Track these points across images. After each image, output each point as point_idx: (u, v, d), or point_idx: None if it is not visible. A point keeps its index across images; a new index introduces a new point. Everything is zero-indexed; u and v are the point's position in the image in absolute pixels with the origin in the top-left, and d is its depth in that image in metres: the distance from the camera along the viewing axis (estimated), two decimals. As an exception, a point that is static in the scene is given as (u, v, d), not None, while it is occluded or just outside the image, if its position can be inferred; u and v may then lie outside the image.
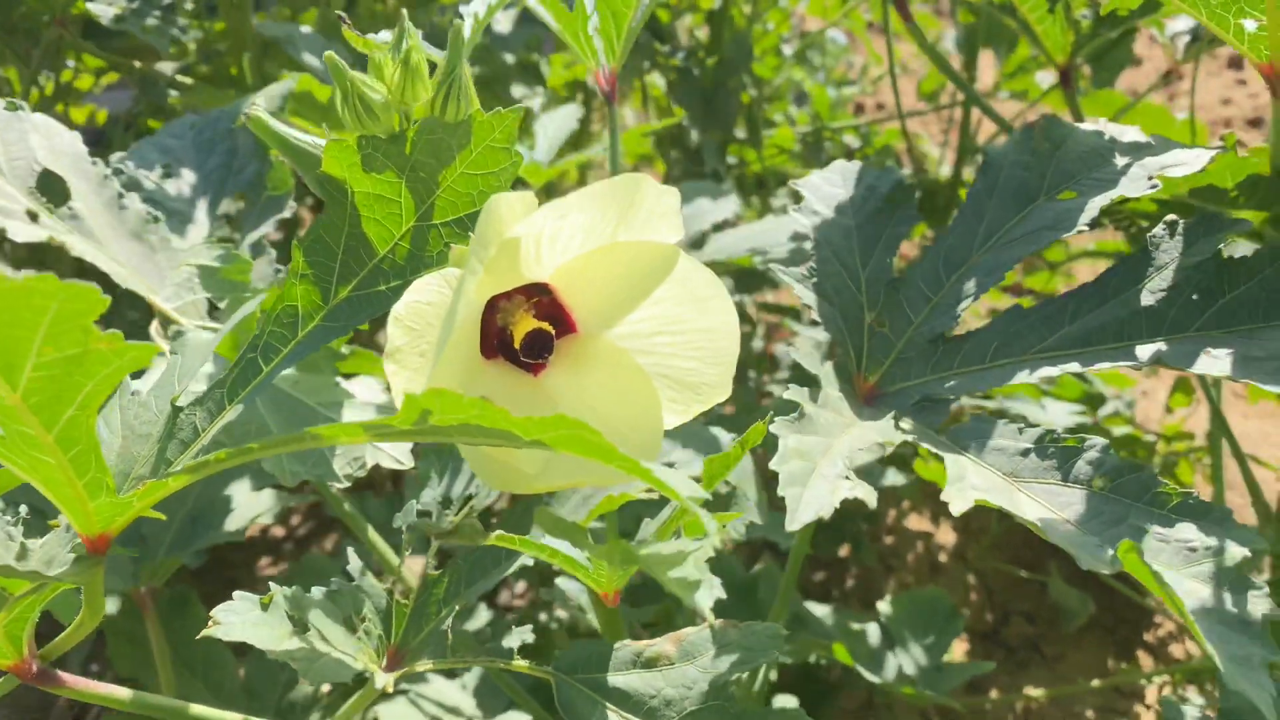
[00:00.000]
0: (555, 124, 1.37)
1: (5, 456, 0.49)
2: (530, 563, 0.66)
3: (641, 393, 0.52)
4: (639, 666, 0.64)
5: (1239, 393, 2.27)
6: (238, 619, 0.57)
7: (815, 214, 0.71)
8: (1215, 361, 0.58)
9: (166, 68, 1.81)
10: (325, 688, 1.18)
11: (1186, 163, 0.66)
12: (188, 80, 1.73)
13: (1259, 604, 0.49)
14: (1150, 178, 0.64)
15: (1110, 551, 0.50)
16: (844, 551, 1.95)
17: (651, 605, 1.24)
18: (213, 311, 0.91)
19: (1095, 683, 1.48)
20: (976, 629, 1.82)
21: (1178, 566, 0.51)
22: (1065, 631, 1.79)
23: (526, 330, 0.52)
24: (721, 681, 0.62)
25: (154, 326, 0.82)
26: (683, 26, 2.32)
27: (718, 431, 0.81)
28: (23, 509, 0.67)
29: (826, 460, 0.55)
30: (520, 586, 1.72)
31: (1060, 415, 1.33)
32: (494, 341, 0.54)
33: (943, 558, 2.05)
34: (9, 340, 0.40)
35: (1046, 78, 1.99)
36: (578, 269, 0.51)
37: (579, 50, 0.86)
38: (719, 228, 1.28)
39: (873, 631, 1.22)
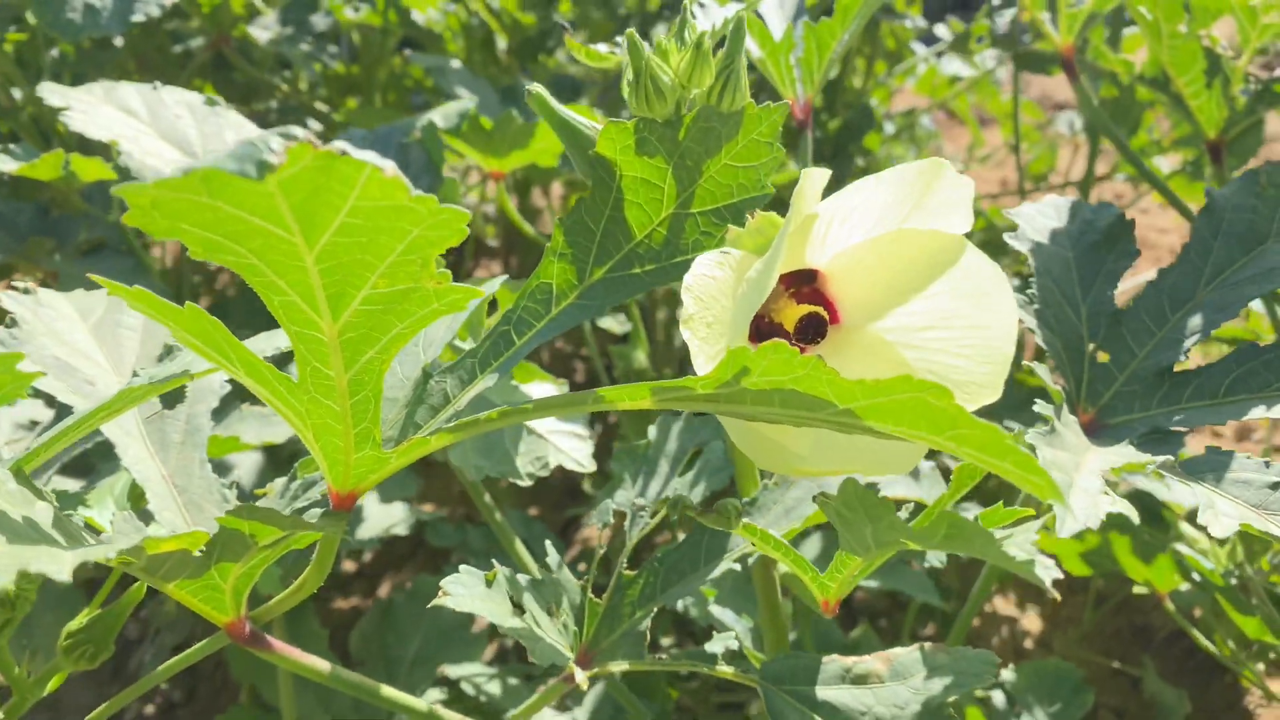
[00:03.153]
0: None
1: (282, 398, 0.49)
2: (738, 567, 0.65)
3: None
4: (848, 682, 0.62)
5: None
6: (467, 592, 0.57)
7: (1031, 241, 0.71)
8: None
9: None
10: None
11: None
12: (324, 107, 1.79)
13: None
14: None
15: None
16: (929, 630, 1.91)
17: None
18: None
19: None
20: None
21: None
22: (1159, 729, 1.72)
23: (801, 314, 0.52)
24: (936, 704, 0.60)
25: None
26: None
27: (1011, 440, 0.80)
28: (235, 474, 0.67)
29: (1081, 474, 0.54)
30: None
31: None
32: (751, 329, 0.54)
33: (1028, 644, 1.99)
34: (355, 265, 0.41)
35: (1165, 164, 1.99)
36: (857, 256, 0.52)
37: (777, 78, 0.87)
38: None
39: (998, 698, 1.18)
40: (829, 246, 0.51)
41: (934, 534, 0.43)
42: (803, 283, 0.55)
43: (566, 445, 0.80)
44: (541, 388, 0.86)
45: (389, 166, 0.33)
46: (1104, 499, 0.53)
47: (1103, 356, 0.68)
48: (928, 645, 0.63)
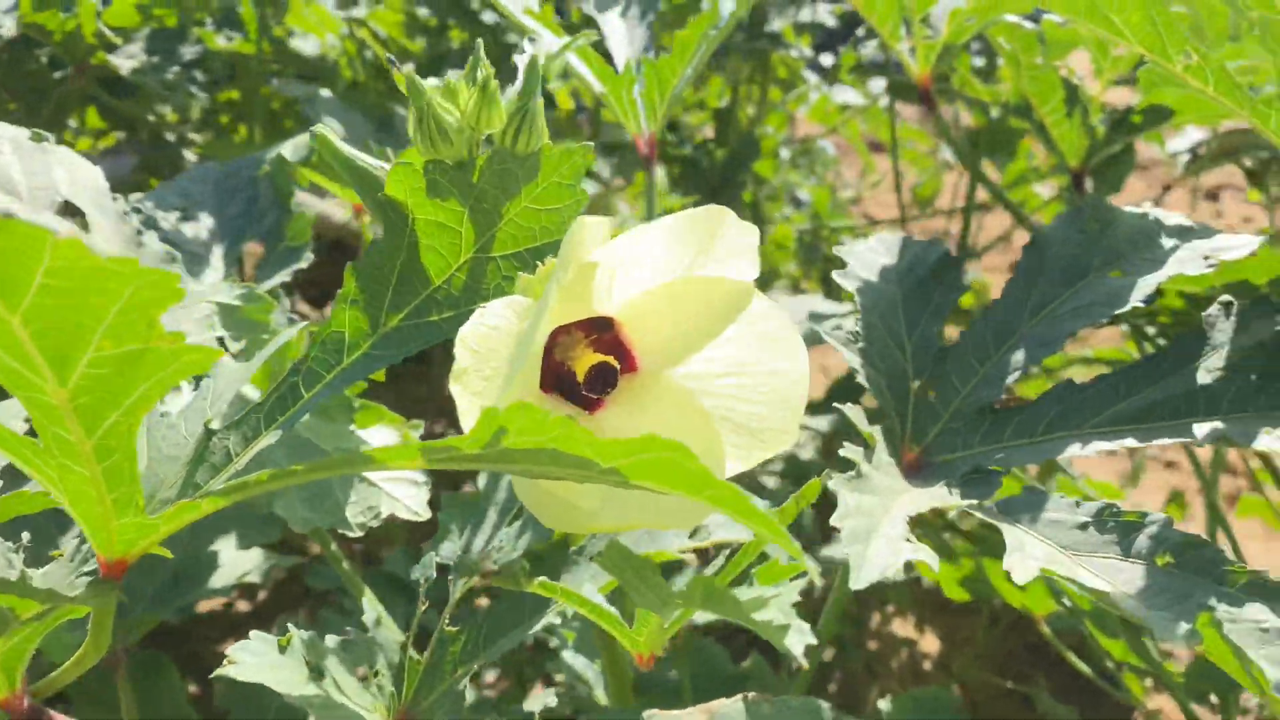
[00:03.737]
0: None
1: (31, 463, 0.46)
2: (558, 619, 0.63)
3: (703, 436, 0.50)
4: (673, 737, 0.60)
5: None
6: (254, 659, 0.54)
7: (860, 279, 0.70)
8: (1277, 441, 0.57)
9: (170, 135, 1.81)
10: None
11: (1236, 247, 0.66)
12: (197, 138, 1.73)
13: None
14: (1206, 258, 0.64)
15: (1186, 626, 0.48)
16: (828, 655, 1.90)
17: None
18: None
19: (1091, 799, 1.43)
20: (962, 740, 1.77)
21: (1252, 646, 0.49)
22: (1052, 746, 1.74)
23: (590, 364, 0.50)
24: (757, 757, 0.58)
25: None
26: (689, 121, 2.36)
27: (757, 501, 0.79)
28: (25, 536, 0.63)
29: (887, 520, 0.53)
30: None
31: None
32: (550, 378, 0.52)
33: (927, 666, 2.01)
34: (70, 327, 0.38)
35: (1045, 190, 2.03)
36: (648, 303, 0.50)
37: (620, 113, 0.86)
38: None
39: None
40: (616, 295, 0.49)
41: (692, 598, 0.41)
42: (603, 329, 0.53)
43: (400, 493, 0.77)
44: (382, 433, 0.83)
45: (64, 229, 0.31)
46: (906, 546, 0.52)
47: (930, 393, 0.68)
48: (752, 695, 0.62)
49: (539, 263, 0.55)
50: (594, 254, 0.46)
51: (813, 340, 1.19)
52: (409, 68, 0.62)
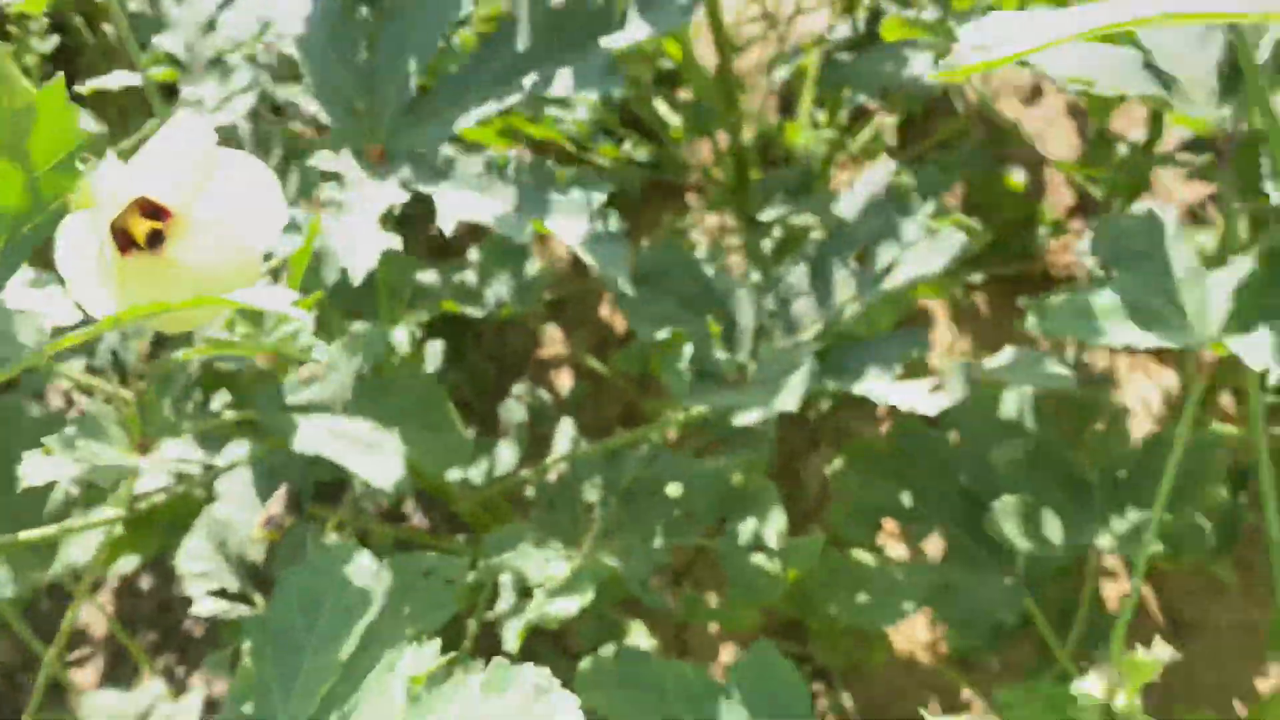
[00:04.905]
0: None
1: None
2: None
3: (231, 239, 0.83)
4: (307, 385, 0.99)
5: None
6: (41, 465, 0.86)
7: (290, 31, 0.97)
8: (566, 82, 0.94)
9: None
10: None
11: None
12: None
13: (614, 223, 0.90)
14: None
15: (529, 227, 0.88)
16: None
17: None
18: None
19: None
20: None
21: (567, 217, 0.90)
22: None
23: (145, 230, 0.80)
24: (358, 373, 0.99)
25: None
26: None
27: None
28: None
29: (364, 225, 0.88)
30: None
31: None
32: (128, 243, 0.82)
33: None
34: None
35: None
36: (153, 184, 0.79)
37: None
38: None
39: (469, 277, 1.60)
40: (134, 188, 0.78)
41: (248, 346, 0.77)
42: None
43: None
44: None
45: None
46: (382, 238, 0.88)
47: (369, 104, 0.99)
48: (348, 336, 1.00)
49: (79, 163, 0.81)
50: (104, 194, 0.74)
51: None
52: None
